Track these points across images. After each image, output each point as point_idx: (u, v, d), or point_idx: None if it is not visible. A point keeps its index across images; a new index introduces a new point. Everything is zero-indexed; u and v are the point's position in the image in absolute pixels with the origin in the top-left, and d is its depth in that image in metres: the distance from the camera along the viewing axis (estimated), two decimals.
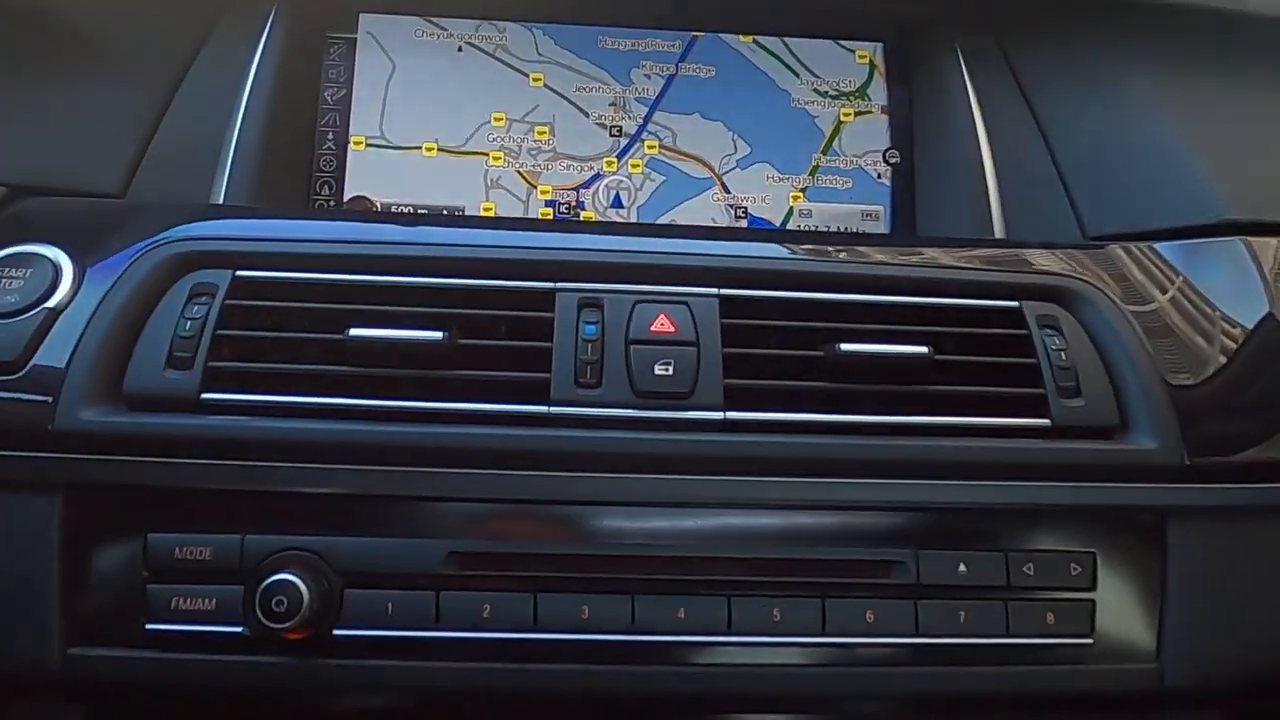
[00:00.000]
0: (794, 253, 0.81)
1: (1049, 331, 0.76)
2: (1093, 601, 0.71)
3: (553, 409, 0.70)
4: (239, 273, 0.73)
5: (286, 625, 0.64)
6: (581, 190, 0.98)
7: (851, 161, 1.00)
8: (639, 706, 0.70)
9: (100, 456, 0.67)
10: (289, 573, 0.65)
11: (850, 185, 0.99)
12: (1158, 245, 0.83)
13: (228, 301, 0.72)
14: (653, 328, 0.73)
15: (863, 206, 0.99)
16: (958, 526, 0.71)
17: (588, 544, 0.69)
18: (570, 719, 0.71)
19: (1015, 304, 0.77)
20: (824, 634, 0.69)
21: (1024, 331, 0.76)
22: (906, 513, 0.71)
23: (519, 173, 0.97)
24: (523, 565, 0.68)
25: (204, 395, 0.69)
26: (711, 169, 0.98)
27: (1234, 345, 0.78)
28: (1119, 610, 0.72)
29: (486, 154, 0.97)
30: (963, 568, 0.70)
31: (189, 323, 0.70)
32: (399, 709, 0.70)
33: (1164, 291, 0.81)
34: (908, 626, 0.69)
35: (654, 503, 0.70)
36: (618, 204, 0.97)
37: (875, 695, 0.71)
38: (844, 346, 0.72)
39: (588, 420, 0.70)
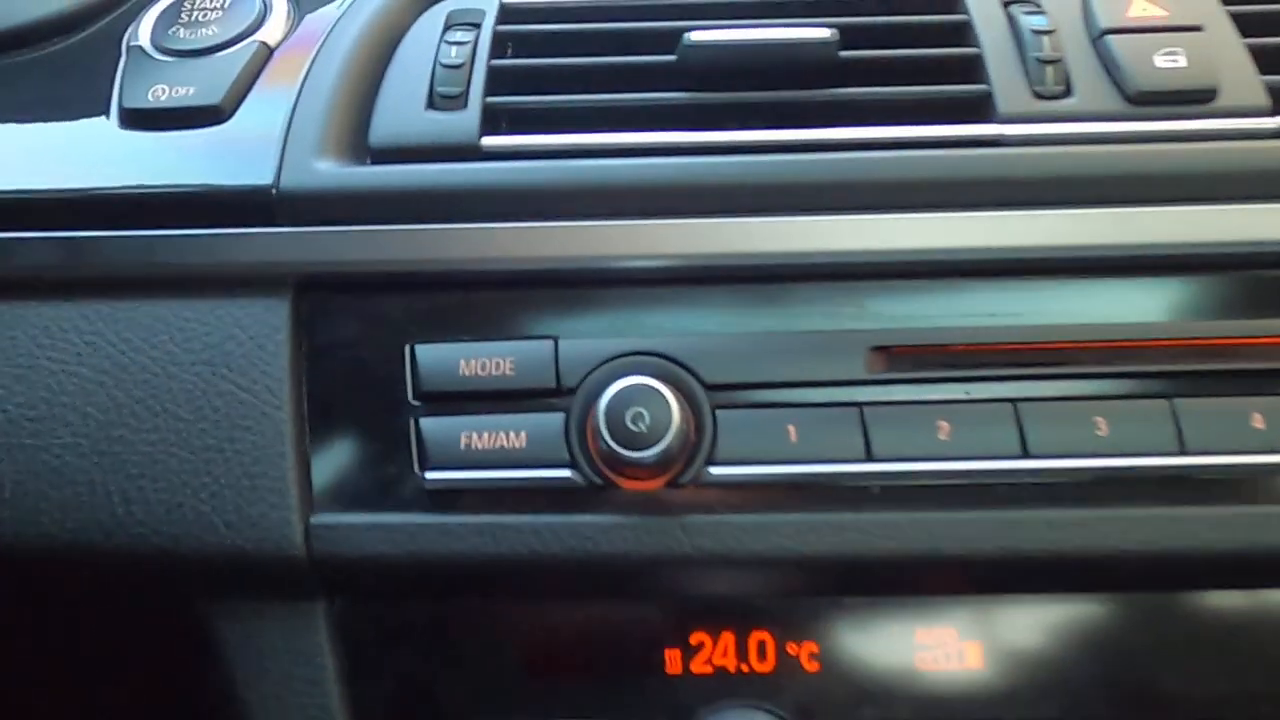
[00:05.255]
0: None
1: None
2: None
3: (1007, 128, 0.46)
4: None
5: (648, 454, 0.41)
6: None
7: None
8: None
9: (342, 227, 0.45)
10: (642, 375, 0.42)
11: None
12: None
13: (499, 28, 0.50)
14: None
15: None
16: None
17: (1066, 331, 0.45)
18: None
19: None
20: None
21: None
22: None
23: None
24: (979, 362, 0.44)
25: (485, 140, 0.47)
26: None
27: None
28: None
29: None
30: None
31: (455, 49, 0.49)
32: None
33: None
34: None
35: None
36: None
37: None
38: None
39: (1056, 139, 0.46)
